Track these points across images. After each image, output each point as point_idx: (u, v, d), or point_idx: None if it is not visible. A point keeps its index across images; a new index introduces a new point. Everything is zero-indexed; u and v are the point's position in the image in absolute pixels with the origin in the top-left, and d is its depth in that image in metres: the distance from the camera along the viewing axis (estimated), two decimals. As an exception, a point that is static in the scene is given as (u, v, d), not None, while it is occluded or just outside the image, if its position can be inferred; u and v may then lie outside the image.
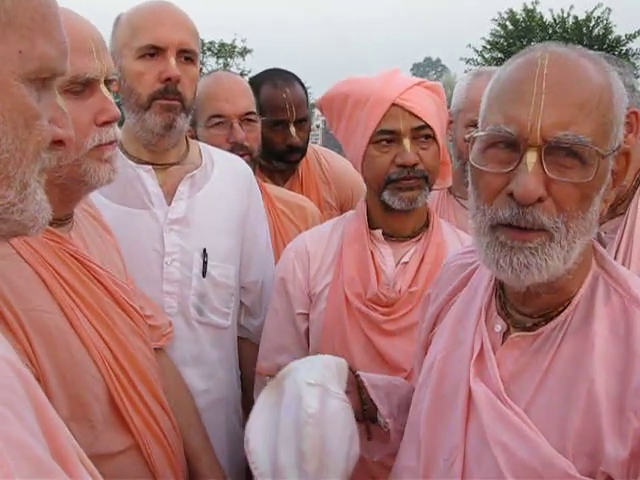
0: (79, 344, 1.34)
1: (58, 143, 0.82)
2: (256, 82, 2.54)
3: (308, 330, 1.87)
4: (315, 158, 2.75)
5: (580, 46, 1.07)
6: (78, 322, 1.34)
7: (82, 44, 1.34)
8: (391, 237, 1.83)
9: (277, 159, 2.54)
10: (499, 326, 1.13)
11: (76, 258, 1.39)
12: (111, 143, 1.38)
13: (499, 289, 1.16)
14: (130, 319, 1.48)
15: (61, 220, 1.41)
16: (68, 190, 1.37)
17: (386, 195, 1.75)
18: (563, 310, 1.07)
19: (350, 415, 1.33)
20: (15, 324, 1.25)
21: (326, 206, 2.67)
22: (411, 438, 1.26)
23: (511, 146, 1.00)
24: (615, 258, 1.65)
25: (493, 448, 1.05)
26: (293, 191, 2.55)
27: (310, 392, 1.30)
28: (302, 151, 2.57)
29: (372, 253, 1.80)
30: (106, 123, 1.36)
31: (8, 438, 0.62)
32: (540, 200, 0.97)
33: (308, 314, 1.86)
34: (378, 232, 1.82)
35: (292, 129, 2.49)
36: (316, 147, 2.91)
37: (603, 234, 1.76)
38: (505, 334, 1.13)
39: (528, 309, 1.10)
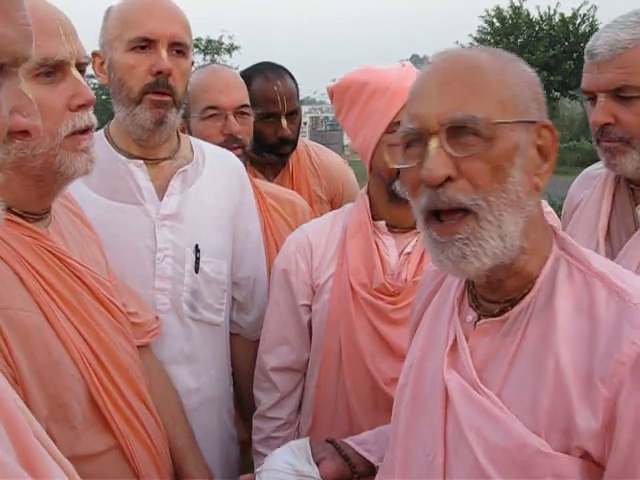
0: (57, 343, 1.31)
1: (23, 133, 0.76)
2: (247, 75, 2.52)
3: (310, 322, 1.88)
4: (305, 152, 2.74)
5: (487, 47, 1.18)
6: (56, 320, 1.31)
7: (49, 27, 1.30)
8: (393, 228, 1.84)
9: (268, 151, 2.53)
10: (470, 317, 1.15)
11: (54, 254, 1.36)
12: (86, 131, 1.34)
13: (470, 282, 1.18)
14: (111, 316, 1.45)
15: (38, 215, 1.38)
16: (44, 182, 1.34)
17: (398, 185, 1.75)
18: (527, 293, 1.09)
19: None
20: (-9, 323, 1.21)
21: (317, 200, 2.67)
22: (393, 441, 1.26)
23: (420, 140, 1.07)
24: None
25: (468, 435, 1.06)
26: (284, 185, 2.54)
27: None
28: (293, 144, 2.56)
29: (376, 244, 1.81)
30: (81, 107, 1.32)
31: None
32: (451, 180, 1.03)
33: (311, 305, 1.87)
34: (381, 223, 1.83)
35: (284, 121, 2.48)
36: (306, 141, 2.90)
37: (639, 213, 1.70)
38: (477, 324, 1.15)
39: (495, 296, 1.12)
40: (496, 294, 1.12)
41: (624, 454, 0.96)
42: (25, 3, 0.74)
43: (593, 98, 1.65)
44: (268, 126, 2.48)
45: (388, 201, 1.82)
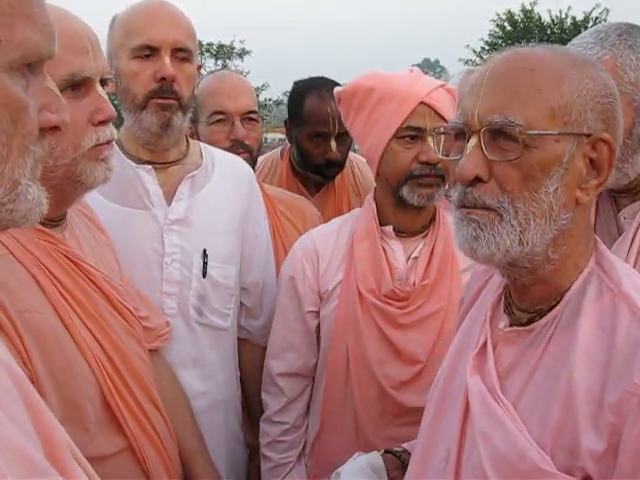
0: (73, 346, 1.33)
1: (53, 129, 0.79)
2: (300, 90, 2.50)
3: (318, 327, 1.89)
4: (350, 170, 2.69)
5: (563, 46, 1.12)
6: (72, 323, 1.33)
7: (79, 43, 1.34)
8: (401, 233, 1.85)
9: (314, 171, 2.51)
10: (502, 323, 1.15)
11: (70, 259, 1.39)
12: (108, 142, 1.38)
13: (506, 288, 1.18)
14: (124, 320, 1.47)
15: (55, 221, 1.40)
16: (63, 191, 1.36)
17: (405, 191, 1.77)
18: (555, 306, 1.08)
19: None
20: (9, 325, 1.24)
21: None
22: (418, 437, 1.28)
23: (464, 135, 1.07)
24: (631, 244, 1.61)
25: (478, 439, 1.07)
26: (327, 202, 2.54)
27: None
28: (341, 166, 2.52)
29: (384, 249, 1.82)
30: (102, 122, 1.36)
31: (0, 439, 0.61)
32: (481, 180, 1.03)
33: (318, 311, 1.88)
34: (389, 228, 1.84)
35: (333, 143, 2.43)
36: (352, 156, 2.78)
37: (622, 219, 1.70)
38: (505, 331, 1.15)
39: (524, 304, 1.12)
40: (525, 302, 1.11)
41: None
42: (54, 15, 0.78)
43: None
44: (316, 146, 2.45)
45: (395, 206, 1.83)
